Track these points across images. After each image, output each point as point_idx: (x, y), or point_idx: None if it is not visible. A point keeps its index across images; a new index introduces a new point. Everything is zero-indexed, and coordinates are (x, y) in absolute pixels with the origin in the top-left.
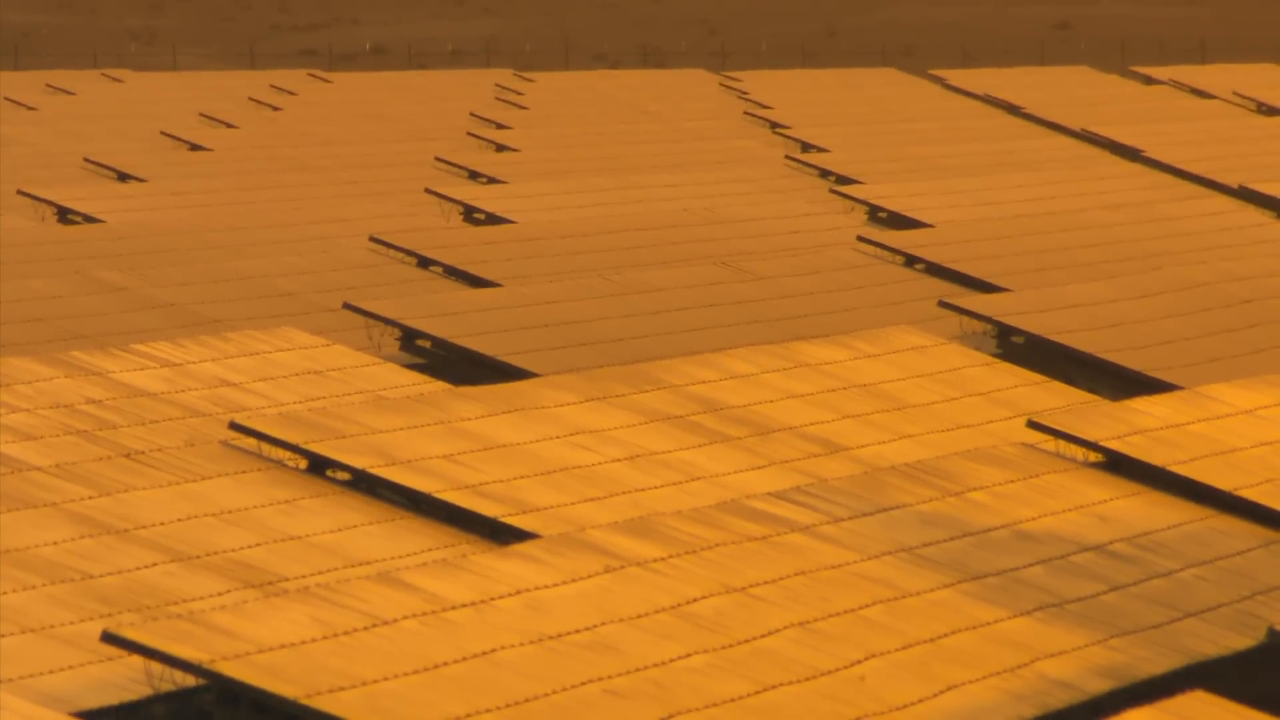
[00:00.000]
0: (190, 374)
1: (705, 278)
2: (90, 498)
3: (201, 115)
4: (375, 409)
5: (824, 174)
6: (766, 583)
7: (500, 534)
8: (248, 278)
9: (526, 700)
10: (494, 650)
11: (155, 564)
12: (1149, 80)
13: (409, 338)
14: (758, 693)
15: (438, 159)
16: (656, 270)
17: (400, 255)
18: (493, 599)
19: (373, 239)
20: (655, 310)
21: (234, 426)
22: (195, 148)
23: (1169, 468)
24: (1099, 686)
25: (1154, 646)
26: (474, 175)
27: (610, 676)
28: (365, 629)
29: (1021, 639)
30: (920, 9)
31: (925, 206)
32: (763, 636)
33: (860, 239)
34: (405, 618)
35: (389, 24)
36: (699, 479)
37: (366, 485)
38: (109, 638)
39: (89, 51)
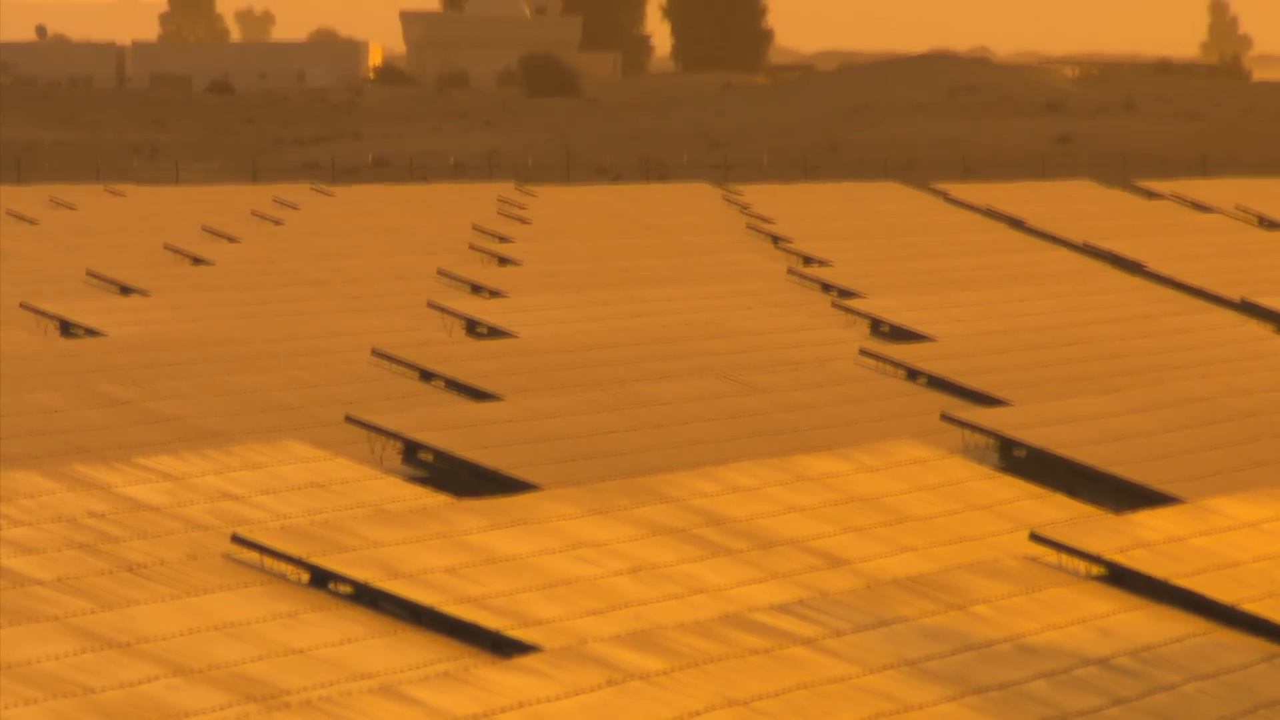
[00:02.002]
0: (192, 487)
1: (707, 390)
2: (92, 611)
3: (204, 229)
4: (378, 522)
5: (826, 287)
6: (769, 695)
7: (502, 647)
8: (250, 391)
9: None
10: None
11: (157, 677)
12: (1151, 194)
13: (411, 450)
14: None
15: (440, 271)
16: (658, 383)
17: (402, 369)
18: (494, 712)
19: (375, 352)
20: (657, 423)
21: (236, 539)
22: (198, 261)
23: (1171, 581)
24: None
25: None
26: (476, 288)
27: None
28: None
29: None
30: (922, 123)
31: (927, 320)
32: None
33: (862, 352)
34: None
35: (391, 137)
36: (701, 592)
37: (369, 598)
38: None
39: (92, 165)
